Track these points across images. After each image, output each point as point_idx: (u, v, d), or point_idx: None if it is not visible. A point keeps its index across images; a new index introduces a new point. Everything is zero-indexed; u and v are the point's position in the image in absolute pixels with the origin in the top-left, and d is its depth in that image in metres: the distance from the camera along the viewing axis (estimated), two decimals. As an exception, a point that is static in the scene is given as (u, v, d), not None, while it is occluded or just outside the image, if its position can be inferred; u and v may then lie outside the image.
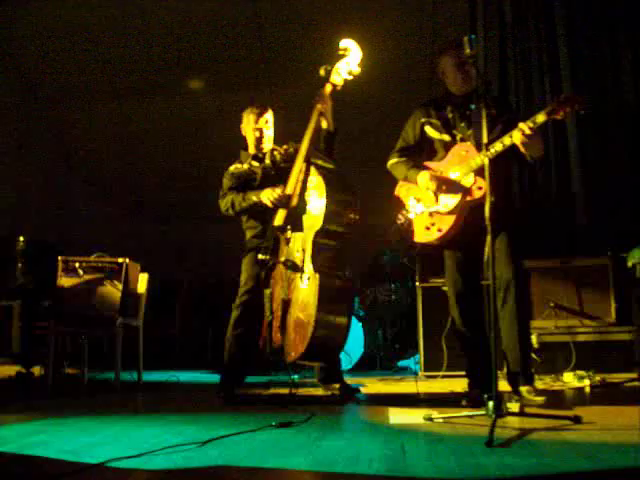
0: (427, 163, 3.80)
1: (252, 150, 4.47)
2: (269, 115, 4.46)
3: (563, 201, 5.79)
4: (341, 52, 4.05)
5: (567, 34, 5.90)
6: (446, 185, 3.64)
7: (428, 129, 3.80)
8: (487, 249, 3.21)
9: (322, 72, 4.05)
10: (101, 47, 7.25)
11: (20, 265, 5.31)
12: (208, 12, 6.92)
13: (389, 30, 6.65)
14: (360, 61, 4.04)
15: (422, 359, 5.43)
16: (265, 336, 3.97)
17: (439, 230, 3.68)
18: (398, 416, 3.29)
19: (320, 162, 4.02)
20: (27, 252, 5.34)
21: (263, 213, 4.23)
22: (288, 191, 4.03)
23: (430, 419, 3.08)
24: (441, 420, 3.07)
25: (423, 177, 3.69)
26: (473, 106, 3.50)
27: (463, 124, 3.69)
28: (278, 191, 4.10)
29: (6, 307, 5.64)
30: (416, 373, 5.53)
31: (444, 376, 5.22)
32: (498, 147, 3.37)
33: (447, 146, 3.72)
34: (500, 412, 2.80)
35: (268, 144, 4.45)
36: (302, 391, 4.12)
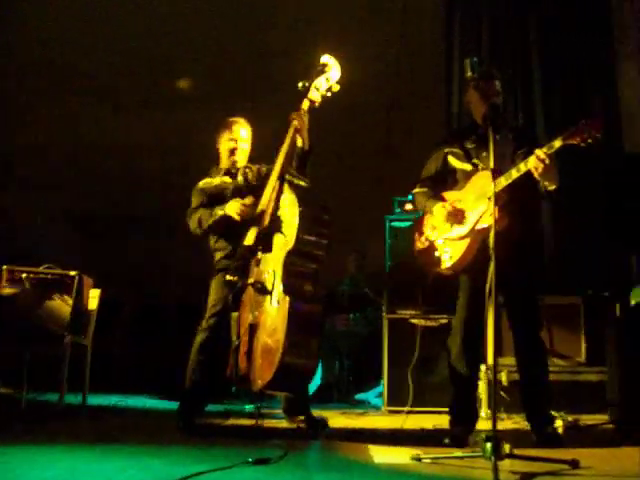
0: (445, 193, 3.74)
1: (224, 164, 4.23)
2: (245, 128, 4.23)
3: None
4: (320, 68, 3.89)
5: (542, 77, 5.91)
6: (460, 214, 3.58)
7: (451, 159, 3.75)
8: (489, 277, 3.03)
9: (300, 87, 3.89)
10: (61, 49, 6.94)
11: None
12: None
13: (354, 51, 6.54)
14: (339, 79, 3.89)
15: (386, 393, 5.21)
16: (231, 363, 3.70)
17: (450, 257, 3.57)
18: (381, 455, 3.06)
19: (294, 180, 3.80)
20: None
21: (233, 233, 3.97)
22: (260, 208, 3.79)
23: (418, 459, 2.87)
24: (429, 460, 2.86)
25: (437, 208, 3.66)
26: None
27: (485, 154, 3.57)
28: (245, 201, 3.90)
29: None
30: (377, 407, 5.30)
31: (409, 412, 5.01)
32: (514, 174, 3.27)
33: (468, 175, 3.65)
34: (499, 455, 2.60)
35: (242, 159, 4.21)
36: (266, 422, 3.84)
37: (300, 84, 3.88)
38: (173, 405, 5.03)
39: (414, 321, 5.16)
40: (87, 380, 4.83)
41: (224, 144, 4.20)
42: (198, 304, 4.28)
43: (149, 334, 6.92)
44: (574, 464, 2.75)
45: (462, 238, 3.54)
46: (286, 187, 3.72)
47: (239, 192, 4.11)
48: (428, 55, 6.22)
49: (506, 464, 2.70)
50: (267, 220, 3.73)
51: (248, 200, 3.90)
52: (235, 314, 3.78)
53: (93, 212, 7.24)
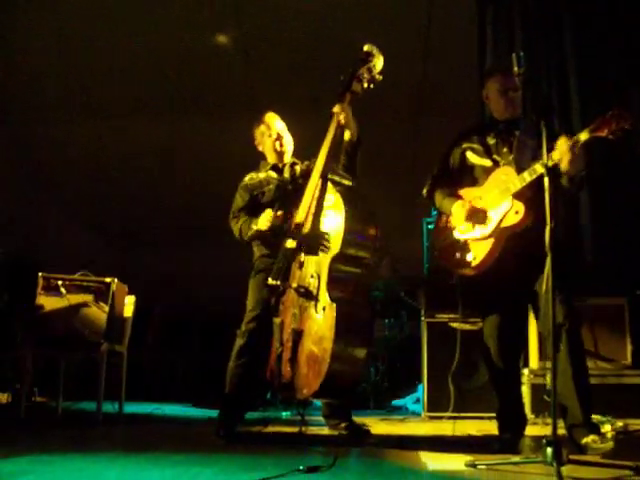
0: (462, 191, 3.56)
1: (272, 159, 4.14)
2: (279, 120, 4.14)
3: (570, 234, 5.55)
4: (363, 56, 3.70)
5: (577, 66, 5.76)
6: (481, 213, 3.40)
7: (469, 155, 3.57)
8: (544, 283, 2.90)
9: (342, 78, 3.74)
10: (77, 65, 6.91)
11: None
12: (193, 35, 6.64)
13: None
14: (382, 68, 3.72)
15: (425, 399, 5.10)
16: (273, 369, 3.59)
17: (474, 258, 3.41)
18: (435, 462, 2.95)
19: (337, 178, 3.64)
20: (2, 266, 4.91)
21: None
22: (300, 214, 3.64)
23: (473, 465, 2.76)
24: (484, 467, 2.76)
25: (456, 207, 3.49)
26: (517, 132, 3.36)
27: (505, 150, 3.46)
28: (271, 213, 3.81)
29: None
30: (416, 413, 5.19)
31: (450, 417, 4.89)
32: (538, 169, 3.13)
33: (488, 172, 3.47)
34: (561, 460, 2.49)
35: (287, 150, 4.13)
36: (308, 430, 3.76)
37: (343, 75, 3.72)
38: (208, 412, 4.98)
39: (453, 325, 5.05)
40: (124, 388, 4.78)
41: (264, 141, 4.13)
42: (234, 309, 4.20)
43: (183, 340, 6.89)
44: (637, 470, 2.63)
45: (486, 238, 3.38)
46: (330, 186, 3.58)
47: (284, 188, 4.05)
48: (460, 53, 6.08)
49: (567, 470, 2.59)
50: (309, 223, 3.63)
51: (276, 212, 3.82)
52: (277, 319, 3.67)
53: (126, 221, 7.23)
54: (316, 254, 3.51)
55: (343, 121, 3.65)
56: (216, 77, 6.82)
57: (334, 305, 3.32)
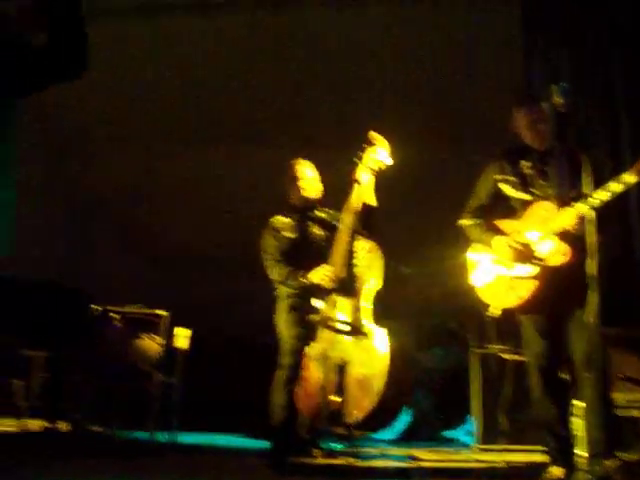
0: (500, 224, 3.56)
1: (297, 202, 4.25)
2: (309, 168, 4.27)
3: (622, 261, 5.45)
4: (368, 145, 3.92)
5: (626, 97, 5.71)
6: (527, 250, 3.38)
7: (504, 187, 3.55)
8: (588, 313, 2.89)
9: (354, 159, 3.95)
10: (128, 95, 7.13)
11: (54, 313, 5.03)
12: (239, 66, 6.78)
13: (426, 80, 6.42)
14: (389, 154, 3.92)
15: (477, 430, 5.03)
16: (316, 400, 3.69)
17: (519, 297, 3.40)
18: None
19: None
20: (60, 299, 5.07)
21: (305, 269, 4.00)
22: (337, 269, 3.84)
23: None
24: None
25: (497, 242, 3.48)
26: None
27: (542, 182, 3.44)
28: (328, 268, 3.90)
29: (29, 358, 5.34)
30: (468, 445, 5.14)
31: (502, 449, 4.83)
32: (603, 196, 3.09)
33: (526, 205, 3.46)
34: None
35: (315, 195, 4.24)
36: (359, 462, 3.77)
37: (355, 158, 3.94)
38: (260, 443, 5.02)
39: (504, 356, 5.00)
40: (176, 418, 4.86)
41: (294, 185, 4.23)
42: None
43: (231, 372, 6.95)
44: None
45: (530, 277, 3.35)
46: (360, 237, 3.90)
47: (312, 233, 4.17)
48: (505, 81, 6.08)
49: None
50: (343, 272, 3.81)
51: (330, 268, 3.91)
52: (314, 351, 3.81)
53: (179, 252, 7.35)
54: (352, 295, 3.82)
55: (359, 190, 3.87)
56: (268, 107, 6.95)
57: (379, 333, 3.52)
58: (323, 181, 4.28)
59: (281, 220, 4.22)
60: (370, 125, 3.92)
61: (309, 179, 4.20)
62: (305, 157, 4.31)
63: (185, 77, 6.81)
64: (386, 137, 3.91)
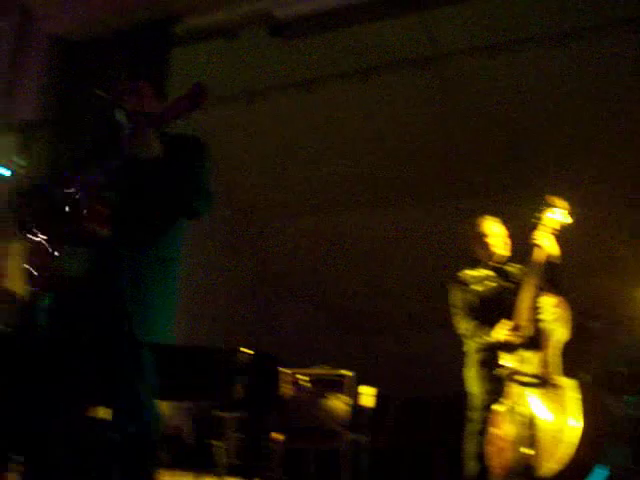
0: None
1: (485, 258, 4.29)
2: (496, 225, 4.31)
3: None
4: (546, 206, 3.91)
5: None
6: None
7: None
8: None
9: (532, 219, 3.94)
10: (304, 164, 7.46)
11: (245, 377, 5.33)
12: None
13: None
14: (568, 214, 3.90)
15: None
16: (511, 456, 3.64)
17: None
18: None
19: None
20: (251, 364, 5.36)
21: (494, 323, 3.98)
22: (522, 324, 3.82)
23: None
24: None
25: None
26: None
27: None
28: (510, 324, 3.87)
29: (225, 420, 5.66)
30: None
31: None
32: None
33: None
34: None
35: (503, 253, 4.25)
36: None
37: (534, 218, 3.94)
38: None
39: None
40: (366, 476, 4.96)
41: (480, 242, 4.28)
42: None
43: (417, 429, 6.96)
44: None
45: None
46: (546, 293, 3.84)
47: (501, 288, 4.17)
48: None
49: None
50: (529, 326, 3.80)
51: (510, 325, 3.89)
52: (503, 407, 3.77)
53: (359, 311, 7.52)
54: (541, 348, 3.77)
55: (539, 253, 3.84)
56: (432, 168, 7.03)
57: (571, 382, 3.54)
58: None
59: (470, 274, 4.28)
60: (545, 179, 3.91)
61: (497, 235, 4.25)
62: (479, 210, 4.37)
63: (352, 142, 7.07)
64: (564, 188, 3.91)
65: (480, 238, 4.28)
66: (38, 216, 2.52)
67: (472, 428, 3.99)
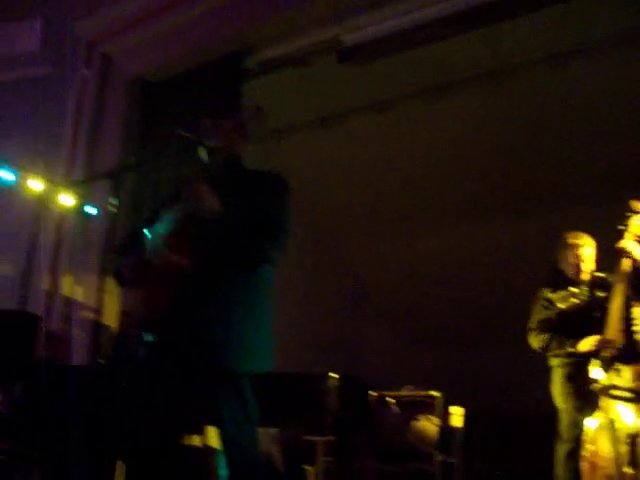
0: None
1: (571, 274, 4.17)
2: (589, 247, 4.19)
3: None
4: (631, 214, 3.77)
5: None
6: None
7: None
8: None
9: (618, 228, 3.81)
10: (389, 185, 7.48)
11: (333, 401, 5.37)
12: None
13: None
14: None
15: None
16: (610, 474, 3.52)
17: None
18: None
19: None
20: (340, 387, 5.39)
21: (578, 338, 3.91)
22: (613, 336, 3.70)
23: None
24: None
25: None
26: None
27: None
28: (596, 338, 3.78)
29: (312, 443, 5.69)
30: None
31: None
32: None
33: None
34: None
35: (587, 271, 4.15)
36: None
37: (620, 226, 3.81)
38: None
39: None
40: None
41: (567, 259, 4.18)
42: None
43: (508, 448, 6.80)
44: None
45: None
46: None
47: (585, 303, 4.07)
48: None
49: None
50: (620, 338, 3.69)
51: (598, 337, 3.80)
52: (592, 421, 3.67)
53: (445, 329, 7.46)
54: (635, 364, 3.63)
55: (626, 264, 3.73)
56: (523, 178, 6.92)
57: None
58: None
59: (551, 290, 4.20)
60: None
61: (586, 257, 4.16)
62: (565, 224, 4.30)
63: (426, 160, 7.07)
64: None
65: (568, 255, 4.18)
66: (135, 270, 2.61)
67: (562, 448, 3.89)
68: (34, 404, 4.96)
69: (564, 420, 3.95)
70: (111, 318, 5.79)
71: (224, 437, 2.52)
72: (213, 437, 5.60)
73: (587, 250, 4.16)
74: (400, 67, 6.24)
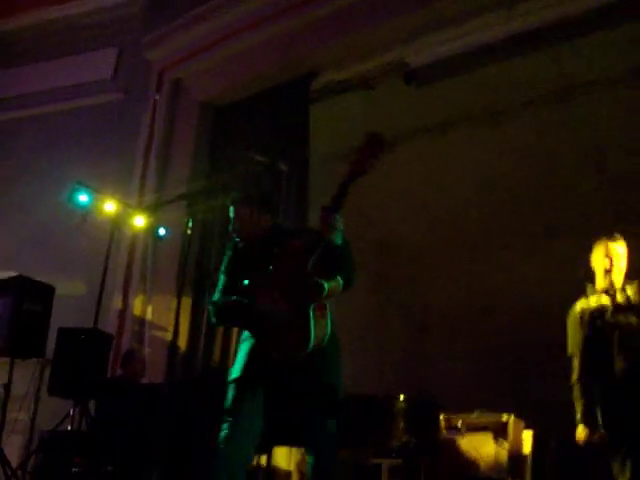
0: None
1: (601, 284, 3.98)
2: (621, 245, 3.97)
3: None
4: None
5: None
6: None
7: None
8: None
9: None
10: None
11: (401, 424, 5.33)
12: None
13: None
14: None
15: None
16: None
17: None
18: None
19: None
20: (407, 410, 5.35)
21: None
22: None
23: None
24: None
25: None
26: None
27: None
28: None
29: (379, 466, 5.65)
30: None
31: None
32: None
33: None
34: None
35: (619, 279, 3.96)
36: None
37: None
38: None
39: None
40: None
41: (599, 263, 4.00)
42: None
43: (579, 474, 6.60)
44: None
45: None
46: None
47: (621, 310, 3.91)
48: None
49: None
50: None
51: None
52: None
53: (514, 352, 7.32)
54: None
55: None
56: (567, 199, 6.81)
57: None
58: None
59: (581, 302, 4.00)
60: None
61: (618, 258, 3.93)
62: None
63: (489, 181, 7.03)
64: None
65: (600, 262, 3.98)
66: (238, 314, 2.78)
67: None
68: (107, 421, 5.10)
69: None
70: (183, 338, 5.95)
71: (318, 461, 2.65)
72: (281, 457, 5.64)
73: (621, 254, 3.94)
74: (464, 88, 6.24)
